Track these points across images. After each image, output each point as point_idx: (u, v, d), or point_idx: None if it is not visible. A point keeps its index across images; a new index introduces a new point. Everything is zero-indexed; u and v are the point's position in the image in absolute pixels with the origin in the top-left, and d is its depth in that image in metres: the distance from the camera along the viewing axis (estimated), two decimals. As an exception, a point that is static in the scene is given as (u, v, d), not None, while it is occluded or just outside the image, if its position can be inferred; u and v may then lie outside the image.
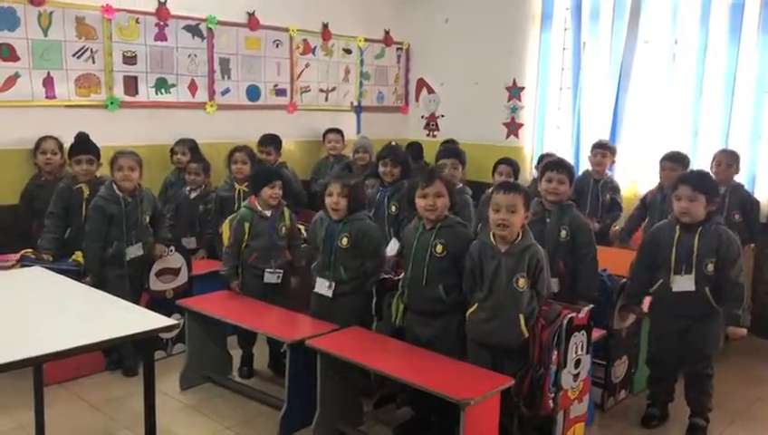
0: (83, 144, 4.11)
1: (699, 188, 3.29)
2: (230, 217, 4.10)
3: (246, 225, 3.85)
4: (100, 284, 3.67)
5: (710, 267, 3.28)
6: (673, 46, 5.29)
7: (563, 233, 3.60)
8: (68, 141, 4.24)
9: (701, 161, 4.98)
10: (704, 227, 3.30)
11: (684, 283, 3.32)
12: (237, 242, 3.88)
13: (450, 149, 5.06)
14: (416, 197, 3.23)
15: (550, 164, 3.83)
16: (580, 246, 3.60)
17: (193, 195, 4.79)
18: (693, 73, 5.17)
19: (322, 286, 3.56)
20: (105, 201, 3.86)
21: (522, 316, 2.97)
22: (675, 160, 4.57)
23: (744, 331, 3.36)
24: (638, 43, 5.44)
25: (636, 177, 5.43)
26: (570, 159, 5.36)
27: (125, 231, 3.89)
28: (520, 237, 3.01)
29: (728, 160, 4.58)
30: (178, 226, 4.75)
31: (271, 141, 5.35)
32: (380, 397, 3.59)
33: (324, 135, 5.96)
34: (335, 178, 3.62)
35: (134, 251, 3.95)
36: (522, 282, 2.96)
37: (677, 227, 3.36)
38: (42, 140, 4.36)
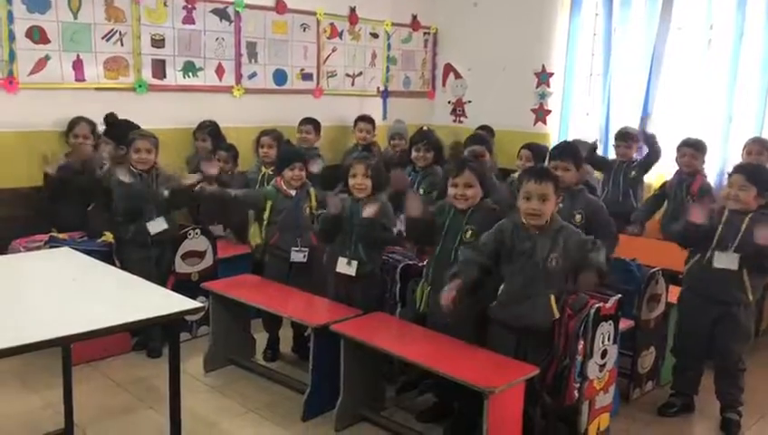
0: (111, 127, 4.18)
1: (752, 177, 3.27)
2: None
3: (269, 203, 3.89)
4: (124, 265, 3.71)
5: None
6: (708, 31, 5.17)
7: (578, 217, 3.48)
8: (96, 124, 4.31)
9: (734, 149, 4.88)
10: (755, 214, 3.27)
11: (726, 259, 3.27)
12: (246, 194, 4.12)
13: (477, 136, 5.02)
14: (448, 184, 3.24)
15: (553, 151, 3.74)
16: (600, 226, 3.46)
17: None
18: (728, 59, 5.06)
19: (342, 265, 3.57)
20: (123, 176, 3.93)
21: (553, 296, 2.92)
22: (692, 146, 4.55)
23: None
24: (671, 28, 5.33)
25: (667, 164, 5.33)
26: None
27: (143, 205, 3.94)
28: (550, 221, 2.98)
29: (759, 149, 4.50)
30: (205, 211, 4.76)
31: (310, 122, 5.41)
32: (403, 383, 3.58)
33: (355, 123, 5.80)
34: (357, 159, 3.71)
35: (157, 226, 3.98)
36: (556, 261, 2.92)
37: (727, 210, 3.33)
38: (75, 122, 4.33)
